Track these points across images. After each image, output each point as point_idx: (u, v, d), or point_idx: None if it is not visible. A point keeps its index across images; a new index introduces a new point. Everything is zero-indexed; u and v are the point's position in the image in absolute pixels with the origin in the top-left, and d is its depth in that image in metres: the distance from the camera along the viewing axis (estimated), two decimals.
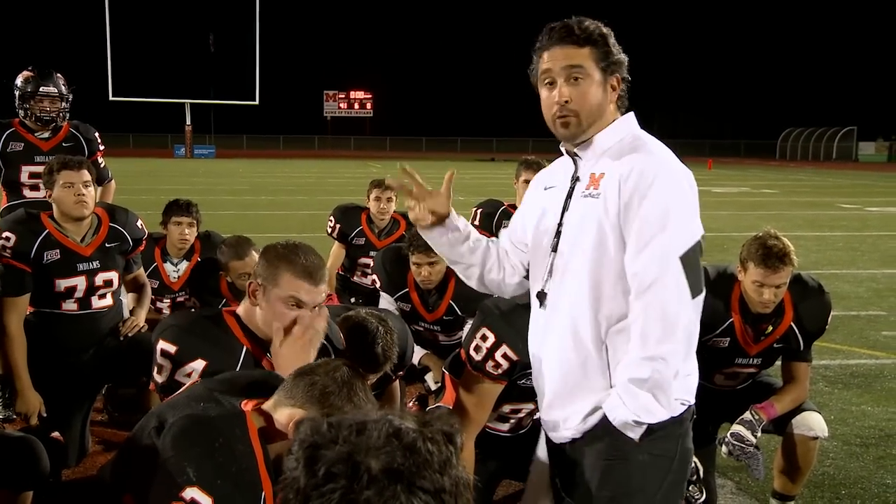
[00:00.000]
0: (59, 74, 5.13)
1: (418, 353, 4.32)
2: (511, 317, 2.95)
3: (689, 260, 2.09)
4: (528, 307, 2.98)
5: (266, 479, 1.93)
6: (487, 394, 3.03)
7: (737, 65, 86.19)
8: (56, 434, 3.45)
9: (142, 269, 4.42)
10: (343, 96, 74.23)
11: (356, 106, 74.28)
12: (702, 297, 2.15)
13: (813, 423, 3.41)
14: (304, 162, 45.22)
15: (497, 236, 5.62)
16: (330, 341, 2.82)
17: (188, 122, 52.51)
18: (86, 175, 3.86)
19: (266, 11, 52.72)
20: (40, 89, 4.97)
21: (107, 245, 3.98)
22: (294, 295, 2.53)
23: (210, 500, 1.83)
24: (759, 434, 3.39)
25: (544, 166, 5.48)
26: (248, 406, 2.06)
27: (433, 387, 4.25)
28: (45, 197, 3.98)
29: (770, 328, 3.45)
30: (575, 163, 2.31)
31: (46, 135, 5.07)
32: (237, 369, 2.55)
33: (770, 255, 3.25)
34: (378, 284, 4.66)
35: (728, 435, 3.42)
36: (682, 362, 2.12)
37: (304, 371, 2.08)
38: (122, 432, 4.36)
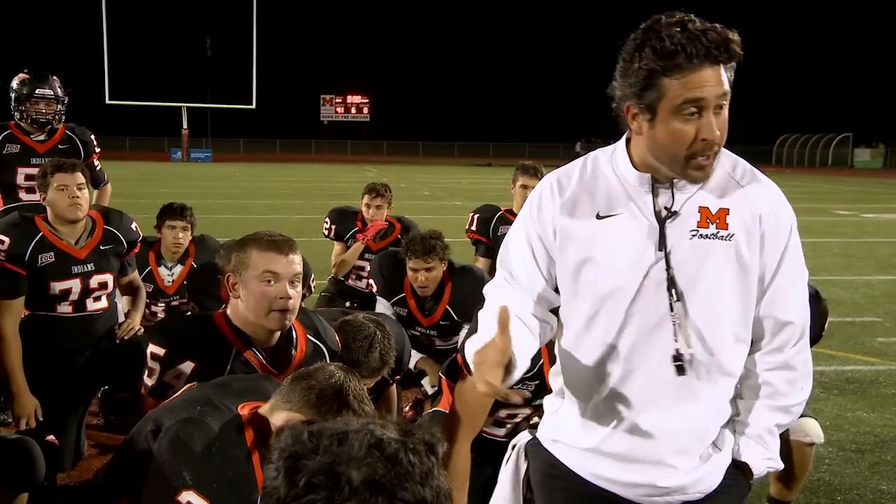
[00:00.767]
0: (54, 77, 5.13)
1: (414, 358, 4.33)
2: None
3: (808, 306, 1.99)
4: None
5: (262, 481, 1.93)
6: (483, 398, 3.03)
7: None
8: (51, 437, 3.45)
9: (136, 272, 4.42)
10: (340, 100, 74.17)
11: (353, 110, 74.23)
12: None
13: (809, 429, 3.41)
14: (301, 166, 45.20)
15: (493, 241, 5.66)
16: (325, 344, 2.83)
17: (185, 125, 52.46)
18: (80, 177, 3.86)
19: (263, 15, 52.74)
20: (36, 91, 4.97)
21: (101, 247, 3.98)
22: (267, 269, 2.54)
23: (206, 503, 1.83)
24: None
25: (542, 171, 5.51)
26: (244, 410, 2.06)
27: (430, 391, 4.25)
28: (40, 200, 3.97)
29: None
30: (654, 189, 1.89)
31: (42, 137, 5.07)
32: (227, 371, 2.55)
33: None
34: (375, 289, 4.66)
35: None
36: None
37: (301, 375, 2.08)
38: (117, 436, 4.36)
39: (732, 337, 1.90)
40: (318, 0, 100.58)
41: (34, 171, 4.80)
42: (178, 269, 5.01)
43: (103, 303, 4.03)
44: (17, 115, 5.04)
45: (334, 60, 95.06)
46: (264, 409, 2.08)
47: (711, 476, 1.99)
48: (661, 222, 1.87)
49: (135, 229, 4.22)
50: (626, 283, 1.88)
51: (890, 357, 6.58)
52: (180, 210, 4.94)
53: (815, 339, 3.52)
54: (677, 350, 1.87)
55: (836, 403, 5.40)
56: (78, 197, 3.83)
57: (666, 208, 1.88)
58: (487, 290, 2.12)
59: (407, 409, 4.58)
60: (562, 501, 2.13)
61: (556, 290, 2.03)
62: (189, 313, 4.78)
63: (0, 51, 62.96)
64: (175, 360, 2.56)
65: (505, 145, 67.41)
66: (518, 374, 1.84)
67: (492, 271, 5.49)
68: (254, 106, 52.81)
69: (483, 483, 3.27)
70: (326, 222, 5.98)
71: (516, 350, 1.81)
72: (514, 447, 2.40)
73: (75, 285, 3.88)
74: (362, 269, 5.73)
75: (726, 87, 1.75)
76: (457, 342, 4.28)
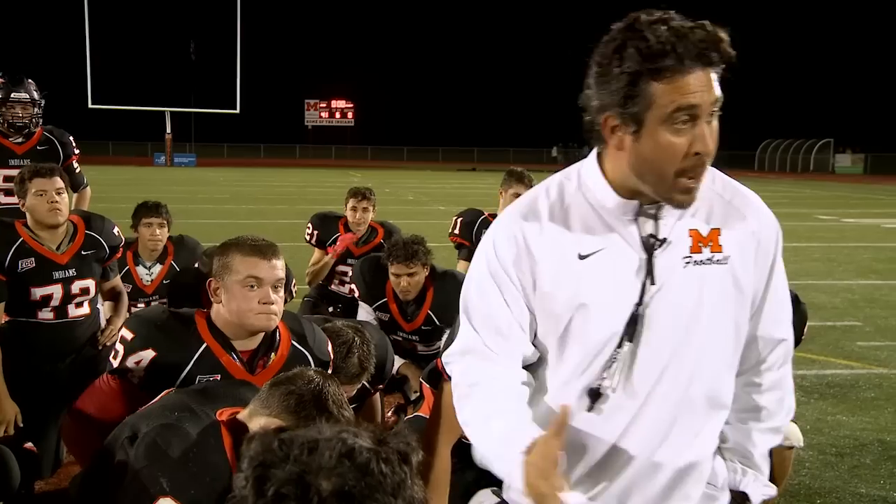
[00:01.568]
0: (30, 80, 5.11)
1: (396, 363, 4.32)
2: None
3: None
4: None
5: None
6: None
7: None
8: (29, 445, 3.42)
9: (118, 278, 4.39)
10: (324, 105, 74.07)
11: (337, 115, 74.14)
12: None
13: (788, 433, 3.43)
14: (285, 171, 45.10)
15: (476, 245, 5.64)
16: (311, 351, 2.80)
17: (168, 130, 52.21)
18: (58, 182, 3.82)
19: (247, 20, 52.63)
20: (11, 96, 4.95)
21: (83, 253, 3.95)
22: (250, 274, 2.54)
23: None
24: None
25: (531, 177, 5.51)
26: (223, 416, 2.05)
27: (412, 396, 4.24)
28: (19, 206, 3.94)
29: None
30: (637, 220, 1.68)
31: (20, 139, 5.05)
32: (190, 366, 2.55)
33: None
34: (356, 294, 4.65)
35: None
36: None
37: (280, 380, 2.07)
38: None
39: (727, 366, 1.76)
40: (303, 4, 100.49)
41: (12, 172, 4.77)
42: (157, 268, 4.99)
43: (85, 309, 4.01)
44: None
45: (319, 65, 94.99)
46: (243, 414, 2.07)
47: None
48: (650, 252, 1.66)
49: (117, 234, 4.19)
50: (621, 327, 1.67)
51: (869, 361, 6.63)
52: (155, 207, 4.92)
53: (794, 344, 3.55)
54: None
55: (816, 407, 5.44)
56: (57, 202, 3.79)
57: (652, 236, 1.66)
58: (459, 360, 1.81)
59: (389, 414, 4.58)
60: None
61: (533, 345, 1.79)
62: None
63: None
64: (137, 346, 2.56)
65: (489, 150, 67.51)
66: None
67: None
68: (238, 110, 52.69)
69: (464, 488, 3.27)
70: (309, 228, 5.96)
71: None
72: None
73: (56, 291, 3.85)
74: (345, 274, 5.72)
75: (718, 92, 1.55)
76: (439, 347, 4.28)
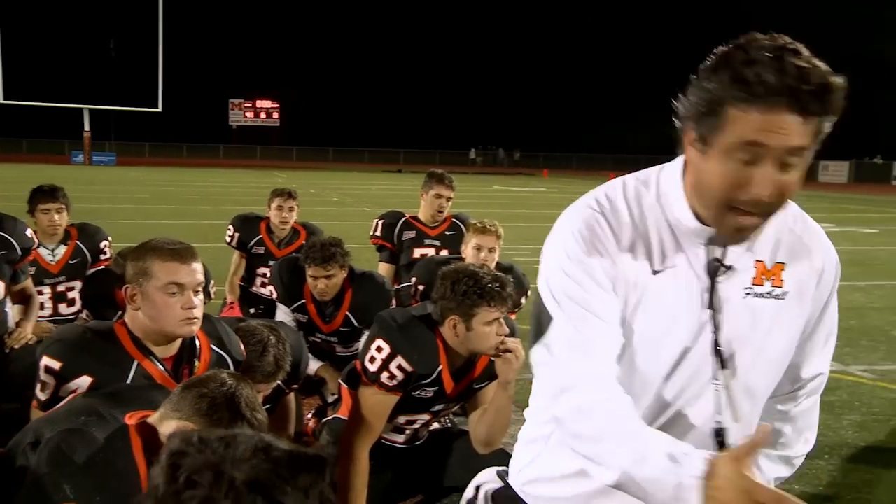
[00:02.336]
0: None
1: (315, 365, 4.31)
2: (406, 328, 2.98)
3: None
4: (423, 319, 3.02)
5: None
6: (382, 405, 3.05)
7: (643, 82, 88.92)
8: None
9: (30, 281, 4.28)
10: (249, 105, 73.23)
11: (262, 115, 73.38)
12: None
13: None
14: (209, 171, 44.31)
15: (396, 246, 5.67)
16: (229, 352, 2.78)
17: (87, 127, 50.75)
18: None
19: (170, 16, 51.53)
20: None
21: None
22: (171, 280, 2.48)
23: None
24: None
25: (452, 181, 5.54)
26: (132, 419, 2.02)
27: (330, 399, 4.24)
28: None
29: None
30: (707, 245, 1.64)
31: None
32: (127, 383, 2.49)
33: None
34: (275, 295, 4.63)
35: None
36: None
37: (192, 383, 2.04)
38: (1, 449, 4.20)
39: (761, 397, 1.74)
40: (228, 3, 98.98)
41: None
42: (62, 249, 4.85)
43: None
44: None
45: (244, 64, 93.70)
46: (153, 418, 2.04)
47: None
48: (713, 277, 1.63)
49: (30, 236, 4.08)
50: (671, 347, 1.64)
51: None
52: (51, 191, 4.78)
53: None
54: (719, 423, 1.67)
55: None
56: None
57: (718, 260, 1.63)
58: (558, 361, 1.66)
59: (309, 416, 4.55)
60: None
61: None
62: (87, 322, 4.65)
63: None
64: (71, 374, 2.47)
65: (415, 152, 67.66)
66: None
67: (395, 277, 5.54)
68: (160, 109, 51.57)
69: (382, 489, 3.29)
70: (230, 229, 5.90)
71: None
72: (477, 488, 2.11)
73: None
74: (266, 275, 5.67)
75: (803, 141, 1.42)
76: (357, 349, 4.28)
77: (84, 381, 2.47)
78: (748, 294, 1.64)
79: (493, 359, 2.94)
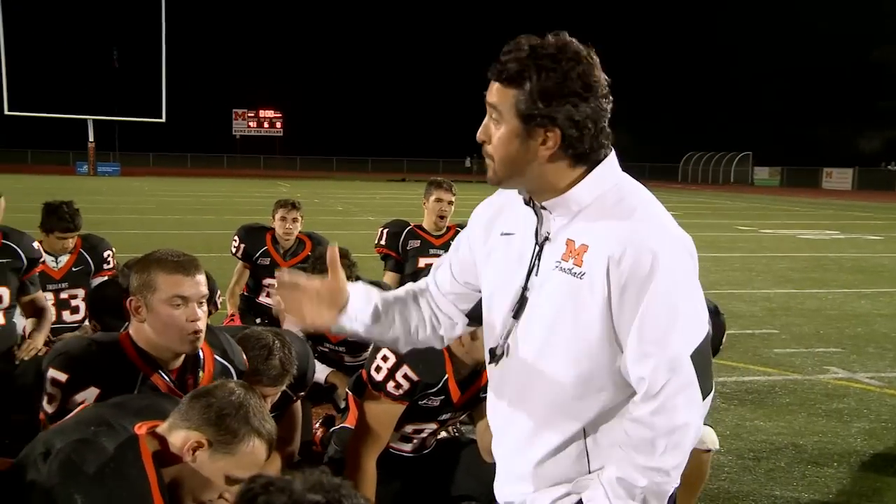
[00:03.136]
0: None
1: (324, 371, 4.31)
2: None
3: (701, 358, 1.75)
4: None
5: (160, 503, 1.90)
6: (389, 414, 3.05)
7: (640, 90, 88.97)
8: None
9: (40, 292, 4.29)
10: (252, 115, 73.38)
11: (266, 125, 73.53)
12: (711, 395, 1.81)
13: (704, 437, 3.53)
14: (213, 181, 44.44)
15: (402, 256, 5.67)
16: (232, 362, 2.79)
17: (91, 138, 50.98)
18: None
19: (173, 27, 51.79)
20: None
21: None
22: (176, 293, 2.48)
23: None
24: None
25: (453, 187, 5.58)
26: (141, 429, 2.02)
27: (342, 404, 4.24)
28: None
29: None
30: (538, 214, 1.85)
31: None
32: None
33: None
34: (282, 306, 4.62)
35: None
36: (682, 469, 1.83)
37: (200, 393, 2.05)
38: (11, 460, 4.19)
39: (568, 376, 1.81)
40: (231, 13, 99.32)
41: None
42: (65, 256, 4.93)
43: (0, 319, 3.90)
44: None
45: (247, 74, 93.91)
46: (162, 427, 2.04)
47: None
48: (540, 247, 1.83)
49: (36, 248, 4.13)
50: (500, 304, 1.91)
51: (785, 367, 6.85)
52: (72, 221, 4.85)
53: (714, 352, 3.66)
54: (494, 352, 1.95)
55: (735, 413, 5.60)
56: None
57: (544, 232, 1.84)
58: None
59: (317, 426, 4.55)
60: None
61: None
62: (91, 334, 4.65)
63: None
64: (78, 386, 2.47)
65: (419, 160, 67.74)
66: (354, 318, 2.00)
67: (400, 286, 5.53)
68: (164, 119, 51.77)
69: (390, 499, 3.29)
70: (235, 240, 5.90)
71: (372, 299, 2.06)
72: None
73: None
74: (272, 286, 5.68)
75: (494, 99, 1.76)
76: (365, 358, 4.27)
77: (91, 393, 2.47)
78: (556, 267, 1.79)
79: None
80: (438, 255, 5.51)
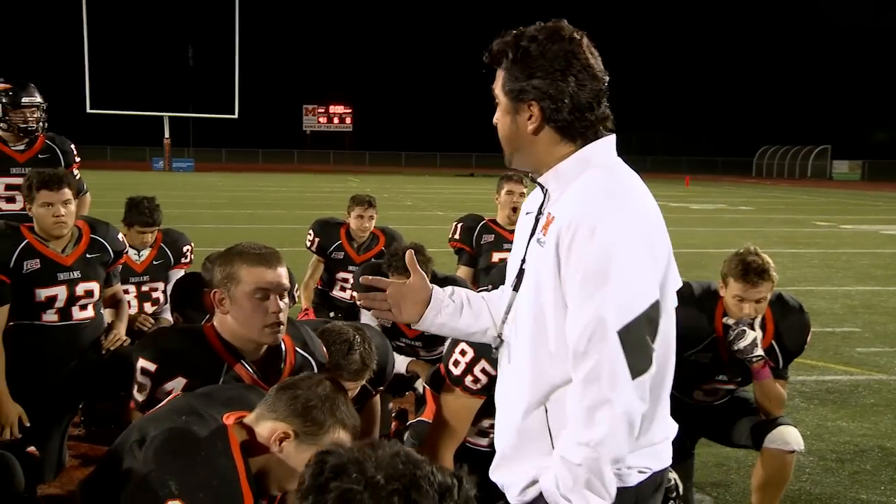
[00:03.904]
0: (32, 84, 5.12)
1: (404, 362, 4.33)
2: None
3: (631, 336, 1.74)
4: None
5: (248, 492, 1.93)
6: (467, 408, 3.05)
7: (714, 83, 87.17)
8: (32, 449, 3.42)
9: (119, 285, 4.41)
10: (322, 110, 74.13)
11: (336, 120, 74.21)
12: (649, 374, 1.79)
13: (789, 437, 3.45)
14: (284, 176, 45.13)
15: (476, 250, 5.69)
16: (313, 355, 2.82)
17: (167, 135, 52.28)
18: (66, 194, 3.85)
19: (245, 25, 52.73)
20: (23, 100, 4.95)
21: (87, 256, 3.97)
22: (258, 285, 2.52)
23: None
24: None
25: (524, 179, 5.56)
26: (229, 419, 2.06)
27: (421, 391, 4.28)
28: (20, 210, 3.96)
29: None
30: (543, 192, 1.96)
31: (22, 147, 5.04)
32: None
33: (749, 270, 3.31)
34: (358, 301, 4.66)
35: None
36: (626, 442, 1.79)
37: (287, 385, 2.08)
38: (99, 447, 4.33)
39: (532, 344, 1.90)
40: (302, 10, 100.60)
41: (14, 181, 4.79)
42: (147, 250, 5.06)
43: (89, 312, 4.01)
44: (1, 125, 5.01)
45: (317, 70, 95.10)
46: (249, 418, 2.08)
47: None
48: (536, 220, 1.94)
49: (121, 240, 4.23)
50: (509, 280, 2.03)
51: (869, 367, 6.65)
52: (150, 216, 4.97)
53: (798, 351, 3.58)
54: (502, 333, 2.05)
55: (816, 413, 5.45)
56: (62, 215, 3.82)
57: (541, 209, 1.96)
58: None
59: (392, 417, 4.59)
60: None
61: None
62: (175, 325, 4.76)
63: None
64: (167, 376, 2.54)
65: (487, 156, 67.48)
66: (441, 311, 2.10)
67: (474, 280, 5.54)
68: (236, 115, 52.74)
69: None
70: (310, 234, 5.96)
71: (458, 295, 2.16)
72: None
73: (61, 292, 3.86)
74: (346, 280, 5.73)
75: (496, 86, 1.95)
76: (441, 352, 4.29)
77: (179, 383, 2.54)
78: (536, 240, 1.90)
79: None
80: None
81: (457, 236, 5.69)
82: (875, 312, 8.95)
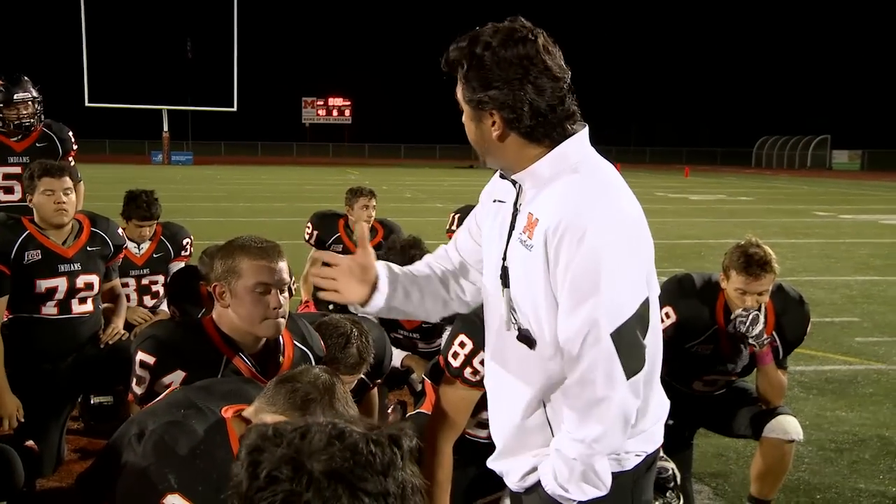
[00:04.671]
0: (25, 77, 5.11)
1: (400, 356, 4.34)
2: None
3: (624, 337, 1.76)
4: None
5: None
6: (466, 400, 3.04)
7: (714, 73, 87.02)
8: (30, 443, 3.43)
9: (118, 279, 4.41)
10: (321, 103, 74.03)
11: (335, 113, 74.11)
12: (642, 373, 1.81)
13: (788, 427, 3.45)
14: (283, 169, 45.08)
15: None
16: (311, 348, 2.83)
17: (165, 128, 52.22)
18: (67, 182, 3.86)
19: (244, 18, 52.64)
20: (15, 97, 4.95)
21: (88, 248, 3.98)
22: (259, 280, 2.52)
23: None
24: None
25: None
26: (228, 413, 2.06)
27: (418, 388, 4.27)
28: (19, 200, 3.96)
29: None
30: (515, 186, 1.94)
31: (19, 136, 5.05)
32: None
33: (752, 262, 3.31)
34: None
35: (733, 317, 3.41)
36: (621, 438, 1.84)
37: (285, 378, 2.08)
38: (98, 440, 4.34)
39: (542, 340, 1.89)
40: (300, 2, 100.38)
41: (11, 170, 4.80)
42: (147, 243, 5.09)
43: (88, 306, 4.01)
44: None
45: (316, 63, 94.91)
46: (248, 411, 2.08)
47: None
48: (514, 217, 1.92)
49: (121, 235, 4.24)
50: (489, 271, 2.02)
51: (867, 357, 6.66)
52: (148, 209, 5.00)
53: (798, 342, 3.58)
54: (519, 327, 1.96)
55: (815, 403, 5.46)
56: (63, 202, 3.83)
57: (519, 204, 1.93)
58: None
59: (389, 410, 4.59)
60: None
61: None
62: (173, 318, 4.77)
63: None
64: (165, 369, 2.54)
65: None
66: (387, 294, 2.09)
67: None
68: (235, 108, 52.69)
69: (466, 485, 3.29)
70: (308, 227, 5.96)
71: (401, 275, 2.16)
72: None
73: (61, 284, 3.86)
74: None
75: (459, 95, 1.93)
76: (439, 344, 4.29)
77: (178, 376, 2.54)
78: (518, 239, 1.88)
79: None
80: None
81: (454, 227, 5.68)
82: (874, 302, 8.95)
